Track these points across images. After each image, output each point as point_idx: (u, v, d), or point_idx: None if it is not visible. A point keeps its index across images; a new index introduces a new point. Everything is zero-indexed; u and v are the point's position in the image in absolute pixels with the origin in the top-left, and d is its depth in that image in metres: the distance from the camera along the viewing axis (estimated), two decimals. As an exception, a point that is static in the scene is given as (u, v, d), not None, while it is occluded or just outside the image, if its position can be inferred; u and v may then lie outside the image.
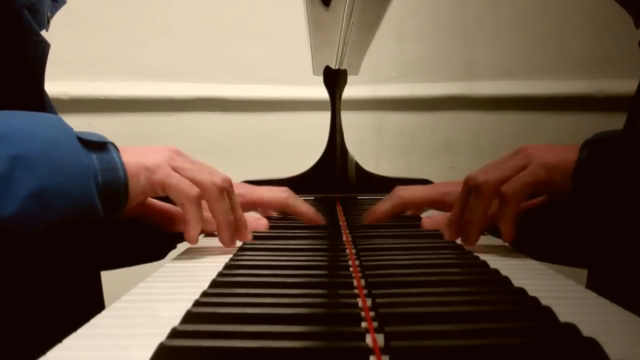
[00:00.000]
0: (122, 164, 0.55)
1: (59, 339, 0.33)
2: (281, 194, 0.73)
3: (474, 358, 0.29)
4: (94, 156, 0.53)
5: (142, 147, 0.59)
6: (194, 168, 0.58)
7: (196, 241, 0.59)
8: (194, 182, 0.57)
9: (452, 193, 0.71)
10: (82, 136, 0.53)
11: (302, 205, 0.72)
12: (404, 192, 0.72)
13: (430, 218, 0.70)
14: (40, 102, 0.66)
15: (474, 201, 0.58)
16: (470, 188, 0.59)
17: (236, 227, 0.61)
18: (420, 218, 0.72)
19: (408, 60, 1.48)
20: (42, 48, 0.66)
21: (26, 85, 0.65)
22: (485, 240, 0.66)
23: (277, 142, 1.47)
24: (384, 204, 0.72)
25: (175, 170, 0.57)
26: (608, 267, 0.62)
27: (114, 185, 0.54)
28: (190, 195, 0.56)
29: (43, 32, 0.67)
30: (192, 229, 0.57)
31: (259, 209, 0.78)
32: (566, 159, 0.55)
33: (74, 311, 0.49)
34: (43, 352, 0.31)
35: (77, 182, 0.51)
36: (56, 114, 0.79)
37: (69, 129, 0.53)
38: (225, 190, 0.59)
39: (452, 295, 0.40)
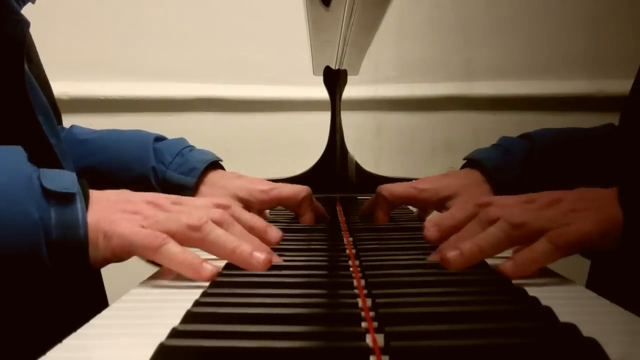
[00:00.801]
0: (85, 221, 0.48)
1: (59, 339, 0.33)
2: (302, 191, 0.73)
3: (474, 358, 0.29)
4: (52, 209, 0.47)
5: (117, 201, 0.52)
6: (163, 217, 0.51)
7: (207, 276, 0.48)
8: (164, 233, 0.49)
9: (430, 190, 0.73)
10: (47, 183, 0.47)
11: (318, 204, 0.75)
12: (382, 188, 0.73)
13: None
14: (19, 83, 0.61)
15: (501, 236, 0.50)
16: (492, 220, 0.51)
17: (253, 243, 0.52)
18: (422, 220, 0.72)
19: (408, 61, 1.48)
20: (22, 27, 0.62)
21: (3, 67, 0.61)
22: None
23: (277, 142, 1.47)
24: (377, 210, 0.73)
25: (142, 226, 0.50)
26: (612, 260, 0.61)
27: (71, 243, 0.47)
28: (146, 245, 0.48)
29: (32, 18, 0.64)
30: (187, 272, 0.49)
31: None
32: (614, 222, 0.49)
33: (75, 311, 0.49)
34: (43, 352, 0.31)
35: (21, 238, 0.45)
36: (49, 90, 0.78)
37: (24, 172, 0.48)
38: (215, 221, 0.51)
39: (452, 295, 0.40)
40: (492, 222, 0.51)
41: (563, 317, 0.34)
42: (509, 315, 0.36)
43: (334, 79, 0.97)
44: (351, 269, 0.49)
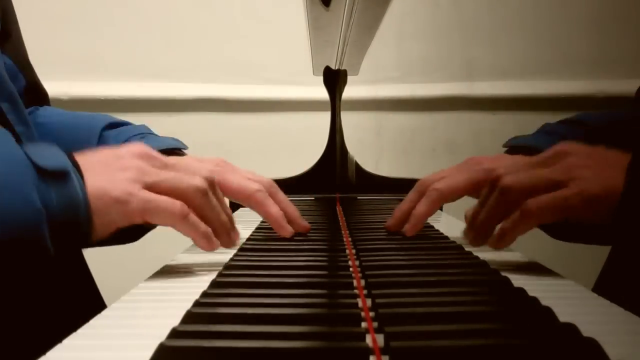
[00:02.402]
0: (85, 197, 0.46)
1: (59, 339, 0.33)
2: (251, 185, 0.63)
3: (473, 358, 0.29)
4: (52, 191, 0.44)
5: (107, 163, 0.50)
6: (169, 177, 0.51)
7: (211, 248, 0.53)
8: (175, 194, 0.50)
9: (497, 168, 0.59)
10: (39, 161, 0.45)
11: (271, 206, 0.62)
12: (439, 185, 0.62)
13: None
14: None
15: (494, 203, 0.52)
16: (493, 183, 0.52)
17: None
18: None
19: (408, 61, 1.48)
20: None
21: None
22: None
23: (277, 142, 1.47)
24: (422, 207, 0.62)
25: (150, 188, 0.49)
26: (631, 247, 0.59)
27: (73, 223, 0.45)
28: (176, 214, 0.49)
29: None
30: (202, 243, 0.52)
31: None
32: (611, 190, 0.47)
33: (73, 311, 0.48)
34: (43, 352, 0.31)
35: (23, 226, 0.43)
36: (30, 71, 0.74)
37: (19, 158, 0.44)
38: (210, 188, 0.54)
39: (452, 296, 0.40)
40: (494, 184, 0.52)
41: (563, 317, 0.34)
42: (509, 315, 0.36)
43: (334, 79, 0.97)
44: (351, 269, 0.49)
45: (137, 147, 0.52)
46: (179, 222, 0.50)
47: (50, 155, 0.46)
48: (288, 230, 0.63)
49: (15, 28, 0.74)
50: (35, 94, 0.78)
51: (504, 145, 0.73)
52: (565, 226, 0.54)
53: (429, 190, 0.62)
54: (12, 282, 0.47)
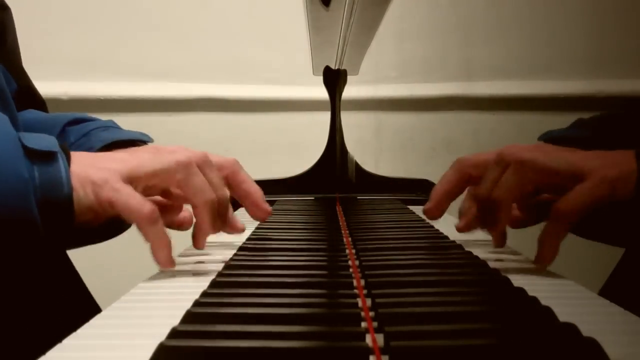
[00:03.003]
0: (68, 178, 0.47)
1: (59, 339, 0.33)
2: (229, 158, 0.62)
3: (473, 358, 0.29)
4: (35, 168, 0.46)
5: (102, 155, 0.52)
6: (149, 157, 0.52)
7: (169, 264, 0.50)
8: (157, 175, 0.51)
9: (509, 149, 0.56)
10: (28, 142, 0.47)
11: (250, 182, 0.61)
12: (464, 158, 0.60)
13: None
14: None
15: (511, 175, 0.51)
16: (509, 162, 0.52)
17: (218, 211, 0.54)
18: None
19: (408, 60, 1.48)
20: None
21: None
22: (483, 238, 0.66)
23: (277, 142, 1.47)
24: (444, 180, 0.60)
25: (130, 178, 0.49)
26: None
27: (55, 202, 0.47)
28: (142, 214, 0.48)
29: None
30: (157, 251, 0.50)
31: None
32: (625, 169, 0.48)
33: (64, 312, 0.48)
34: (43, 352, 0.31)
35: (15, 200, 0.45)
36: (24, 78, 0.74)
37: (11, 133, 0.47)
38: (200, 165, 0.53)
39: (452, 296, 0.40)
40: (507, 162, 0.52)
41: (563, 317, 0.34)
42: (509, 315, 0.36)
43: (334, 79, 0.97)
44: (351, 269, 0.49)
45: (127, 150, 0.54)
46: (143, 224, 0.48)
47: (40, 140, 0.48)
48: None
49: (11, 36, 0.74)
50: (30, 99, 0.78)
51: (539, 139, 0.67)
52: (590, 224, 0.54)
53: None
54: (9, 265, 0.48)
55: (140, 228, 0.49)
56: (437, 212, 0.60)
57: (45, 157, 0.47)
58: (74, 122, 0.72)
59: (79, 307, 0.64)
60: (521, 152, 0.52)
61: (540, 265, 0.51)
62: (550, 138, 0.66)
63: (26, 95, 0.77)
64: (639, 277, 0.62)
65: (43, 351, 0.32)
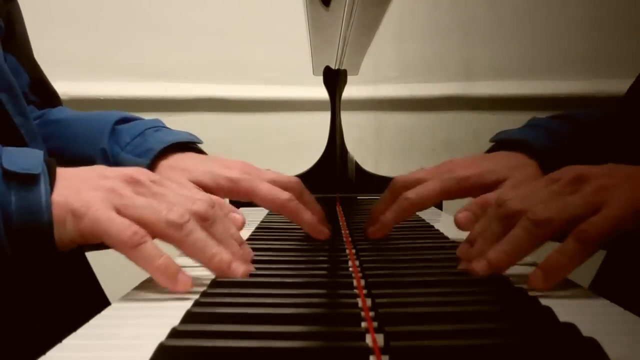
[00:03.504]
0: (48, 205, 0.44)
1: (59, 339, 0.33)
2: (281, 195, 0.61)
3: (473, 358, 0.29)
4: (12, 193, 0.44)
5: (87, 178, 0.47)
6: (141, 204, 0.46)
7: (173, 285, 0.44)
8: (143, 224, 0.44)
9: (471, 176, 0.60)
10: (6, 163, 0.45)
11: (304, 213, 0.61)
12: (411, 194, 0.60)
13: (466, 212, 0.58)
14: None
15: (528, 237, 0.45)
16: (513, 216, 0.46)
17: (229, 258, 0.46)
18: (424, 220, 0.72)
19: (408, 61, 1.48)
20: None
21: None
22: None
23: (277, 142, 1.47)
24: (391, 214, 0.60)
25: (117, 209, 0.45)
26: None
27: (33, 228, 0.44)
28: (123, 241, 0.43)
29: None
30: (159, 278, 0.44)
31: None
32: None
33: (77, 311, 0.48)
34: (43, 352, 0.31)
35: None
36: (34, 67, 0.75)
37: None
38: (202, 219, 0.47)
39: (452, 296, 0.40)
40: (513, 217, 0.46)
41: (563, 317, 0.34)
42: (509, 315, 0.36)
43: (334, 79, 0.97)
44: (351, 269, 0.49)
45: (129, 170, 0.49)
46: (127, 251, 0.44)
47: (23, 159, 0.46)
48: (324, 233, 0.61)
49: (20, 27, 0.74)
50: (43, 91, 0.78)
51: (491, 140, 0.71)
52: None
53: (400, 198, 0.60)
54: None
55: (124, 254, 0.44)
56: (379, 234, 0.61)
57: (24, 180, 0.44)
58: (122, 120, 0.72)
59: (93, 304, 0.64)
60: (541, 211, 0.45)
61: (537, 287, 0.43)
62: (501, 141, 0.67)
63: (39, 86, 0.77)
64: (623, 274, 0.62)
65: (44, 351, 0.32)
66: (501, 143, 0.68)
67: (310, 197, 0.64)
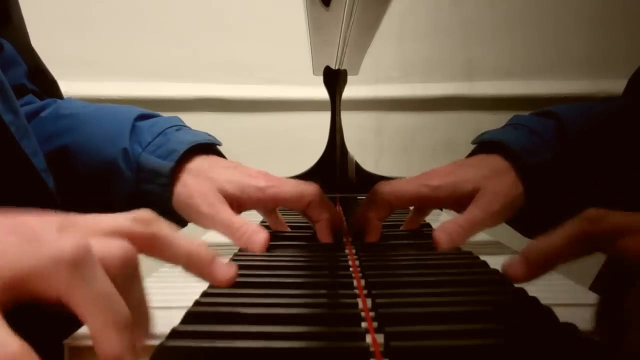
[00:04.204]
0: None
1: (59, 339, 0.33)
2: (308, 190, 0.61)
3: (473, 358, 0.29)
4: None
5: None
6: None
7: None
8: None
9: (445, 186, 0.60)
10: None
11: (330, 209, 0.62)
12: (385, 188, 0.61)
13: (444, 231, 0.57)
14: None
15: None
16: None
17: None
18: (429, 225, 0.72)
19: (408, 61, 1.48)
20: None
21: None
22: (482, 238, 0.66)
23: (277, 142, 1.47)
24: (370, 211, 0.61)
25: None
26: None
27: None
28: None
29: None
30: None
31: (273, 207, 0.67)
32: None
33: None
34: (43, 352, 0.31)
35: None
36: (31, 55, 0.73)
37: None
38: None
39: (452, 296, 0.40)
40: None
41: (563, 317, 0.34)
42: (509, 315, 0.36)
43: (334, 79, 0.97)
44: (351, 268, 0.49)
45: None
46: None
47: None
48: (330, 240, 0.61)
49: (16, 12, 0.72)
50: (42, 80, 0.76)
51: (473, 142, 0.70)
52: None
53: (376, 193, 0.61)
54: None
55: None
56: (372, 236, 0.61)
57: None
58: (141, 117, 0.69)
59: None
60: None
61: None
62: (491, 144, 0.65)
63: (37, 74, 0.75)
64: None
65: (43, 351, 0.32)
66: (482, 144, 0.67)
67: (330, 203, 0.63)
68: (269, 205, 0.64)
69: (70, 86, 1.38)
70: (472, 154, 0.69)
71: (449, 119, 1.48)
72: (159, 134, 0.66)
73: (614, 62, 1.43)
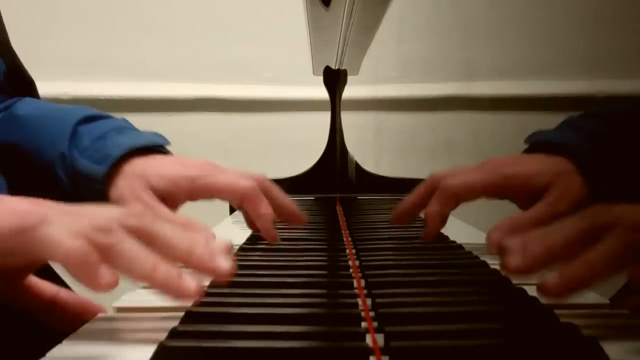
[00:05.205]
0: None
1: (58, 339, 0.33)
2: (242, 183, 0.57)
3: (474, 358, 0.29)
4: None
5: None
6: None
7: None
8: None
9: (520, 176, 0.55)
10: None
11: (263, 206, 0.58)
12: (452, 181, 0.55)
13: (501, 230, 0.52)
14: None
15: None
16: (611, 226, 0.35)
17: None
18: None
19: (408, 61, 1.48)
20: None
21: None
22: (482, 238, 0.66)
23: (277, 142, 1.47)
24: (434, 206, 0.55)
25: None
26: None
27: None
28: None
29: None
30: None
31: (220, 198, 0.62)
32: None
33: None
34: (42, 353, 0.31)
35: None
36: (10, 54, 0.71)
37: None
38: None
39: (452, 295, 0.40)
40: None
41: (563, 318, 0.34)
42: (509, 315, 0.36)
43: (334, 79, 0.97)
44: (351, 269, 0.49)
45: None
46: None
47: None
48: (274, 237, 0.59)
49: None
50: (19, 80, 0.75)
51: (526, 141, 0.65)
52: None
53: (440, 187, 0.56)
54: None
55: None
56: (398, 222, 0.60)
57: None
58: (85, 120, 0.67)
59: None
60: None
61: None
62: (540, 142, 0.63)
63: (15, 75, 0.74)
64: None
65: (43, 352, 0.32)
66: (539, 145, 0.62)
67: (278, 192, 0.61)
68: (201, 196, 0.61)
69: (71, 86, 1.38)
70: (527, 153, 0.65)
71: (449, 119, 1.48)
72: (99, 138, 0.63)
73: (612, 62, 1.43)
